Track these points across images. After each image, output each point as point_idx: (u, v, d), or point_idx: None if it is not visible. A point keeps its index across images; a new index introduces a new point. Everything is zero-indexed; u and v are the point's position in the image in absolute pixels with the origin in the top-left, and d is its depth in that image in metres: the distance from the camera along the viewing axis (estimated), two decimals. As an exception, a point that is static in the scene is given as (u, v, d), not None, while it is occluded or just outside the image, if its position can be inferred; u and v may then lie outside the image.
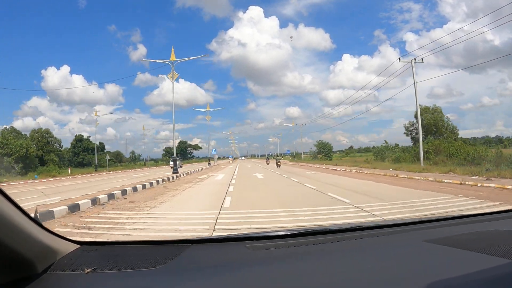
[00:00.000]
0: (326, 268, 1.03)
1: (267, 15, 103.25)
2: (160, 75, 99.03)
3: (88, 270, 0.99)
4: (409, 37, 75.88)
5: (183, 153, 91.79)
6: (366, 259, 1.10)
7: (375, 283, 0.92)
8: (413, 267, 1.02)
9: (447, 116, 30.17)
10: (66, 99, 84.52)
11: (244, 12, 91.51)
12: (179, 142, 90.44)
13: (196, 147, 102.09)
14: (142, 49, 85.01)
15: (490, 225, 1.44)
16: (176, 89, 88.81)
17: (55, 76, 75.97)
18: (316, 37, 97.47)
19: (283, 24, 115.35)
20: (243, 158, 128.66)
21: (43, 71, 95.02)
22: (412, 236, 1.37)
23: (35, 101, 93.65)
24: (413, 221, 1.58)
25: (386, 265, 1.04)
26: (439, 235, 1.29)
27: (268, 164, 38.71)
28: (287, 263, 1.07)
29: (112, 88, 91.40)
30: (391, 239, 1.35)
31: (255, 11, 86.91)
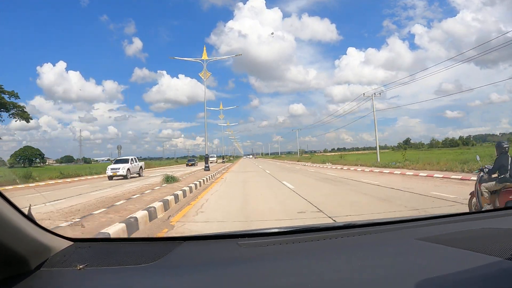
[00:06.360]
0: (317, 266, 1.03)
1: (269, 6, 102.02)
2: (159, 71, 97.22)
3: (81, 266, 1.00)
4: (418, 29, 74.61)
5: None
6: (358, 256, 1.10)
7: (366, 280, 0.92)
8: (404, 265, 1.02)
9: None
10: (63, 96, 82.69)
11: (245, 3, 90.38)
12: None
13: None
14: (137, 43, 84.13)
15: (482, 223, 1.45)
16: (176, 86, 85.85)
17: (50, 73, 73.85)
18: (321, 28, 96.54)
19: (286, 14, 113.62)
20: (250, 156, 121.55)
21: (38, 68, 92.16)
22: (404, 234, 1.37)
23: (36, 100, 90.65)
24: (405, 219, 1.58)
25: (378, 263, 1.04)
26: (431, 233, 1.29)
27: None
28: (278, 260, 1.08)
29: (111, 85, 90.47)
30: (383, 237, 1.35)
31: (257, 1, 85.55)
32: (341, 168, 23.89)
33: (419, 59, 73.80)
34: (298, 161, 49.82)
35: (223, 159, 62.21)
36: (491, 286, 0.85)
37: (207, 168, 21.98)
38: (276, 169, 26.05)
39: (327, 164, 32.12)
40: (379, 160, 26.85)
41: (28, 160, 52.02)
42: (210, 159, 61.09)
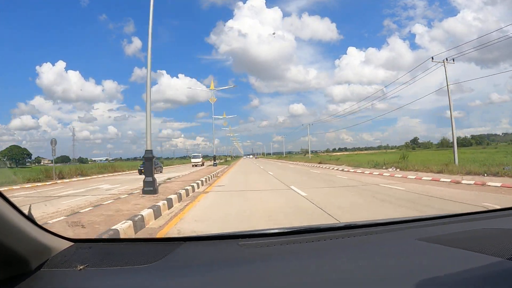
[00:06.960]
0: (318, 266, 1.02)
1: (269, 5, 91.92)
2: (158, 71, 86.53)
3: (81, 267, 0.99)
4: (418, 28, 66.77)
5: None
6: (359, 257, 1.09)
7: (367, 281, 0.91)
8: (406, 265, 1.02)
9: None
10: (62, 96, 71.81)
11: (245, 3, 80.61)
12: None
13: None
14: (137, 42, 73.64)
15: (483, 223, 1.44)
16: (176, 86, 75.64)
17: (50, 73, 63.20)
18: (322, 28, 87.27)
19: (286, 13, 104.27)
20: (250, 156, 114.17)
21: (38, 67, 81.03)
22: (406, 234, 1.37)
23: (36, 100, 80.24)
24: (407, 220, 1.57)
25: (379, 263, 1.04)
26: (433, 234, 1.29)
27: None
28: (279, 261, 1.07)
29: (110, 85, 78.91)
30: (385, 237, 1.34)
31: (257, 0, 75.79)
32: (432, 180, 11.62)
33: (420, 58, 67.71)
34: (319, 163, 32.50)
35: (214, 160, 37.29)
36: (492, 287, 0.84)
37: (149, 189, 8.48)
38: (314, 185, 11.60)
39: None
40: (457, 162, 16.72)
41: (15, 160, 48.60)
42: (194, 160, 40.45)
